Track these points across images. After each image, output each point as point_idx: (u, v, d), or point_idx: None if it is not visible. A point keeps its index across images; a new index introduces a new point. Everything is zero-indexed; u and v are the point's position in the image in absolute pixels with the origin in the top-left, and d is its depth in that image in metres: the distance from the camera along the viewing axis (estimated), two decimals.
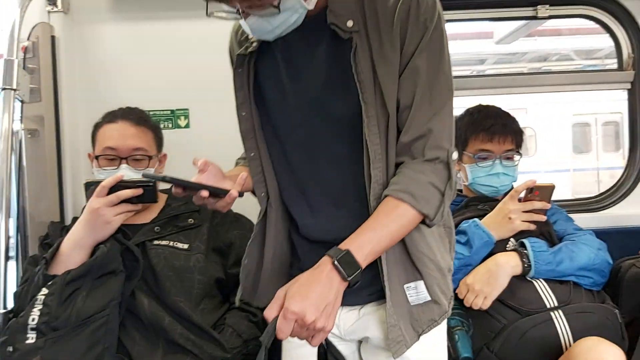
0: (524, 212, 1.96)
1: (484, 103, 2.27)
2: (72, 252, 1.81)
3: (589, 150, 11.72)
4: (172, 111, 2.45)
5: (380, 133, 1.31)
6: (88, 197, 1.84)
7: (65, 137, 2.31)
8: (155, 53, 2.43)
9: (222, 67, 2.42)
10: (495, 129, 2.12)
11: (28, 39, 2.18)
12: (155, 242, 1.94)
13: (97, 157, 2.00)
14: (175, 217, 2.01)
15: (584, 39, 12.08)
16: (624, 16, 2.59)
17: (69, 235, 1.84)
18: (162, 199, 2.07)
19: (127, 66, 2.43)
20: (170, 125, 2.44)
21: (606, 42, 12.01)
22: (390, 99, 1.29)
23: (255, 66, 1.46)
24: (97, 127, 2.05)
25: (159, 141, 2.11)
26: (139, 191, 1.82)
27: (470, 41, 12.21)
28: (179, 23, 2.43)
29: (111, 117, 2.05)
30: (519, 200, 2.00)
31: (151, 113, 2.38)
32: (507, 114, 2.19)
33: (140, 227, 1.97)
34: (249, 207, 2.27)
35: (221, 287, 1.98)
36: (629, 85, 2.63)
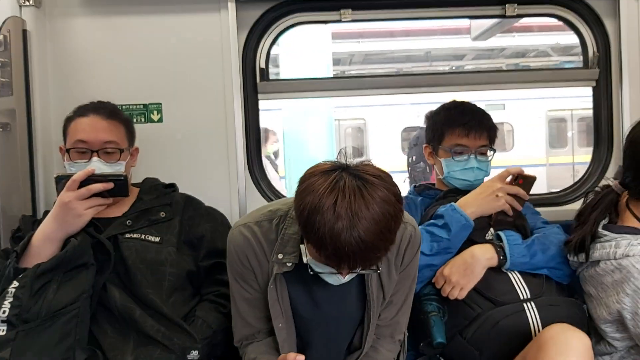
0: (508, 194, 2.02)
1: (459, 99, 2.33)
2: (43, 245, 1.82)
3: (565, 146, 11.87)
4: (145, 105, 2.45)
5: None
6: (59, 190, 1.85)
7: (37, 131, 2.31)
8: (128, 47, 2.44)
9: (195, 62, 2.47)
10: (472, 125, 2.17)
11: None
12: (127, 235, 1.95)
13: (68, 151, 2.01)
14: (147, 211, 2.03)
15: (561, 36, 12.24)
16: (589, 15, 2.65)
17: (40, 228, 1.86)
18: (134, 192, 2.09)
19: (99, 60, 2.43)
20: (143, 120, 2.45)
21: None
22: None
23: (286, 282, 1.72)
24: (68, 120, 2.05)
25: (130, 135, 2.11)
26: (110, 185, 1.84)
27: (448, 37, 12.32)
28: (152, 17, 2.45)
29: (82, 110, 2.05)
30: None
31: (124, 107, 2.41)
32: (482, 111, 2.25)
33: (112, 220, 1.98)
34: (222, 201, 2.33)
35: (192, 279, 2.01)
36: (594, 83, 2.69)
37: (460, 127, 2.17)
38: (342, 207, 1.35)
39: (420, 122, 11.28)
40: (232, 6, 2.44)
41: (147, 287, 1.89)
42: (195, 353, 1.82)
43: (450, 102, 2.29)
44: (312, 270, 1.55)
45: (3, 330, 1.70)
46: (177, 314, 1.89)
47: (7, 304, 1.71)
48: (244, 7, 2.48)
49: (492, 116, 2.26)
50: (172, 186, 2.20)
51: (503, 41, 12.58)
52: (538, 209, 2.34)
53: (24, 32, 2.28)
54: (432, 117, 2.30)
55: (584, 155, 11.63)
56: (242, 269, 1.71)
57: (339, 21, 2.57)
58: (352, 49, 12.49)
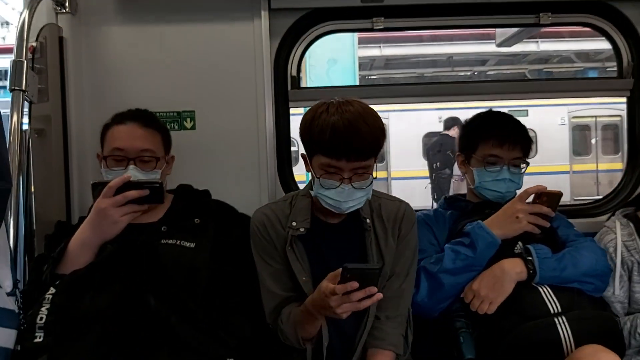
0: (530, 214, 1.98)
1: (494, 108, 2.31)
2: (80, 252, 1.84)
3: (589, 153, 11.76)
4: (179, 113, 2.47)
5: None
6: (95, 197, 1.86)
7: (72, 137, 2.35)
8: (162, 55, 2.47)
9: (228, 70, 2.48)
10: (506, 136, 2.15)
11: (36, 39, 2.20)
12: (163, 241, 1.97)
13: (105, 158, 2.03)
14: (182, 217, 2.05)
15: (584, 42, 12.15)
16: (624, 24, 2.62)
17: (76, 234, 1.87)
18: (168, 199, 2.11)
19: (134, 68, 2.46)
20: (176, 127, 2.46)
21: (606, 45, 12.13)
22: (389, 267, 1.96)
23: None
24: (106, 128, 2.08)
25: (167, 143, 2.14)
26: (146, 192, 1.85)
27: (472, 42, 12.29)
28: (186, 26, 2.47)
29: (120, 118, 2.08)
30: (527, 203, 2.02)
31: (158, 114, 2.41)
32: (517, 122, 2.23)
33: (147, 226, 2.01)
34: (253, 207, 2.33)
35: (224, 285, 2.01)
36: (628, 93, 2.66)
37: (495, 138, 2.14)
38: (333, 108, 1.78)
39: (441, 127, 11.31)
40: (265, 15, 2.46)
41: (183, 292, 1.89)
42: None
43: (486, 112, 2.28)
44: (321, 199, 1.86)
45: (40, 337, 1.70)
46: (212, 320, 1.89)
47: (44, 311, 1.72)
48: (276, 15, 2.50)
49: None
50: (206, 192, 2.22)
51: (526, 47, 12.53)
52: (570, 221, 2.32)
53: (60, 39, 2.31)
54: (466, 126, 2.29)
55: (608, 164, 11.54)
56: (264, 242, 1.96)
57: (371, 29, 2.59)
58: (373, 53, 12.51)
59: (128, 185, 1.85)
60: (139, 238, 1.93)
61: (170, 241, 1.98)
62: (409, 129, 11.33)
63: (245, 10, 2.46)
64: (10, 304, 0.98)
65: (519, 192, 2.16)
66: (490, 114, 2.26)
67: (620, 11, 2.61)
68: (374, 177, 1.87)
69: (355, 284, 1.57)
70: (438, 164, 8.51)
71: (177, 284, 1.89)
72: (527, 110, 11.09)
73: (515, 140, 2.15)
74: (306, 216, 1.95)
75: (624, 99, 2.70)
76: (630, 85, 2.65)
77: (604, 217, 2.52)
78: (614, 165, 11.21)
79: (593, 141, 11.81)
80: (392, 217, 1.99)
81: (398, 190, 11.43)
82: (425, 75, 13.88)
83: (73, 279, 1.78)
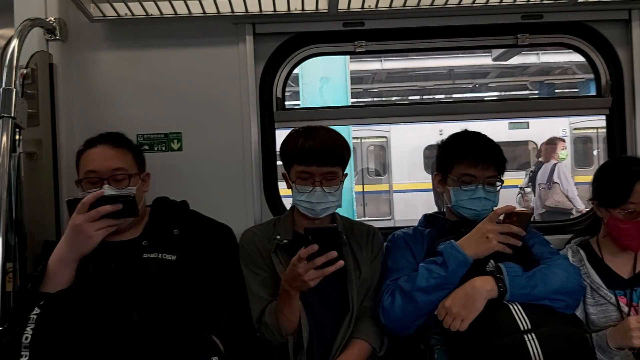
0: (501, 233, 2.02)
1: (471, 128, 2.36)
2: (58, 268, 1.89)
3: (590, 165, 11.75)
4: (166, 134, 2.55)
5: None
6: (70, 214, 1.93)
7: (62, 160, 2.41)
8: (150, 79, 2.55)
9: (214, 92, 2.56)
10: (480, 156, 2.20)
11: (27, 66, 2.29)
12: (145, 255, 2.03)
13: (80, 181, 2.09)
14: (161, 229, 2.11)
15: None
16: (602, 44, 2.68)
17: (54, 252, 1.93)
18: (147, 214, 2.17)
19: (122, 91, 2.54)
20: (163, 148, 2.54)
21: None
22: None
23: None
24: (79, 154, 2.14)
25: (139, 161, 2.19)
26: (119, 206, 1.91)
27: (473, 55, 12.34)
28: (173, 50, 2.55)
29: (91, 142, 2.14)
30: (498, 222, 2.06)
31: (145, 136, 2.51)
32: (491, 142, 2.28)
33: (129, 243, 2.07)
34: (239, 226, 2.40)
35: (204, 295, 2.05)
36: (607, 111, 2.71)
37: (469, 158, 2.20)
38: (305, 130, 2.18)
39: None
40: (250, 39, 2.54)
41: (167, 304, 1.94)
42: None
43: (461, 132, 2.33)
44: (298, 205, 2.17)
45: (26, 357, 1.75)
46: (194, 329, 1.93)
47: (29, 330, 1.77)
48: (261, 39, 2.58)
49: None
50: (184, 203, 2.27)
51: (526, 59, 12.56)
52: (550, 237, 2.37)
53: (51, 65, 2.39)
54: (442, 146, 2.34)
55: None
56: (252, 255, 2.21)
57: (354, 52, 2.66)
58: (374, 67, 12.57)
59: (102, 200, 1.90)
60: (121, 255, 1.99)
61: (152, 255, 2.03)
62: (410, 142, 11.36)
63: (231, 35, 2.54)
64: None
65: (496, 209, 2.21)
66: (465, 134, 2.31)
67: (598, 31, 2.67)
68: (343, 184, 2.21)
69: (316, 247, 1.82)
70: None
71: (161, 297, 1.94)
72: (527, 123, 11.13)
73: (489, 159, 2.20)
74: (288, 231, 2.25)
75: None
76: (609, 103, 2.71)
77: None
78: None
79: (595, 153, 11.81)
80: (365, 236, 2.31)
81: (400, 202, 11.48)
82: (426, 87, 13.93)
83: (57, 299, 1.83)
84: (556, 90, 14.22)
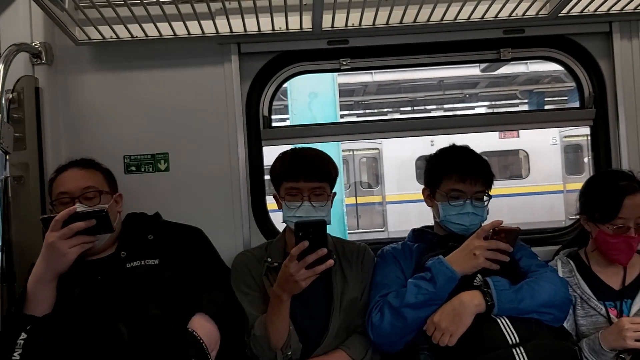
0: (488, 250, 2.03)
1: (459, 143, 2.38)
2: (36, 288, 1.90)
3: (582, 172, 11.81)
4: (153, 155, 2.56)
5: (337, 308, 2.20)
6: (45, 231, 1.92)
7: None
8: (136, 100, 2.57)
9: (200, 112, 2.58)
10: (468, 172, 2.21)
11: (13, 90, 2.30)
12: (128, 265, 2.05)
13: (52, 203, 2.10)
14: (136, 237, 2.14)
15: None
16: (584, 57, 2.72)
17: (32, 273, 1.94)
18: (119, 225, 2.19)
19: (109, 113, 2.55)
20: (150, 169, 2.55)
21: None
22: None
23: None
24: (51, 181, 2.17)
25: (110, 181, 2.21)
26: (92, 222, 1.90)
27: (462, 66, 12.42)
28: (159, 71, 2.57)
29: (61, 169, 2.17)
30: (485, 238, 2.07)
31: (132, 157, 2.52)
32: (479, 157, 2.29)
33: (108, 258, 2.09)
34: (227, 244, 2.40)
35: (184, 296, 2.07)
36: (591, 123, 2.74)
37: (457, 173, 2.21)
38: (291, 151, 2.26)
39: (434, 150, 11.37)
40: (235, 59, 2.56)
41: (154, 308, 1.96)
42: None
43: (449, 147, 2.34)
44: (288, 221, 2.19)
45: None
46: (179, 330, 1.94)
47: (16, 356, 1.78)
48: (246, 59, 2.60)
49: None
50: (156, 215, 2.31)
51: (515, 69, 12.63)
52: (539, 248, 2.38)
53: (37, 89, 2.40)
54: (430, 161, 2.35)
55: None
56: (243, 276, 2.24)
57: (339, 70, 2.68)
58: (365, 79, 12.63)
59: (75, 217, 1.89)
60: (104, 270, 2.01)
61: (135, 263, 2.06)
62: (401, 153, 11.38)
63: (216, 55, 2.56)
64: None
65: (484, 223, 2.23)
66: (452, 149, 2.32)
67: (579, 44, 2.71)
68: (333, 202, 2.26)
69: (307, 243, 1.87)
70: None
71: (149, 301, 1.96)
72: (517, 132, 11.18)
73: (477, 174, 2.22)
74: (279, 254, 2.27)
75: None
76: (593, 115, 2.74)
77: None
78: None
79: (585, 160, 11.86)
80: (355, 253, 2.34)
81: (394, 214, 11.48)
82: (417, 99, 13.99)
83: (42, 322, 1.84)
84: (545, 99, 14.30)
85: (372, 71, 12.43)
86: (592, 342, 2.09)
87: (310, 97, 5.68)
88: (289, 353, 2.06)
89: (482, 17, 2.43)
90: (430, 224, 2.44)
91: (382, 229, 11.60)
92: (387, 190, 11.84)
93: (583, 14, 2.47)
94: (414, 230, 2.43)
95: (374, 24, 2.43)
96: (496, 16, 2.44)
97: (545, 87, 14.26)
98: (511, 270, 2.13)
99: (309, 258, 1.88)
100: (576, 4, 2.38)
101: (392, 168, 11.63)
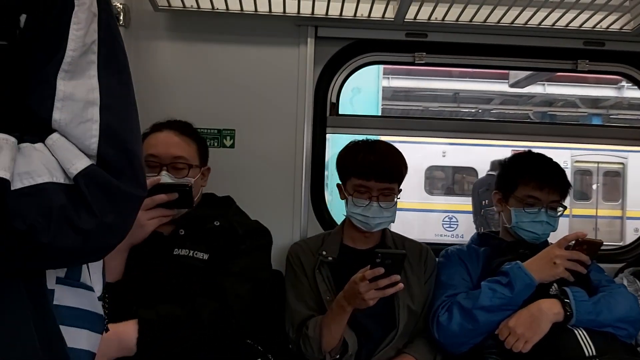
0: (568, 260, 1.99)
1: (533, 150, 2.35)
2: (109, 257, 1.76)
3: (589, 199, 11.83)
4: (219, 130, 2.51)
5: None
6: None
7: None
8: (208, 73, 2.51)
9: (270, 92, 2.53)
10: (547, 180, 2.18)
11: None
12: (175, 251, 1.91)
13: None
14: (201, 219, 1.99)
15: (590, 88, 12.30)
16: None
17: None
18: (198, 200, 2.09)
19: (180, 83, 2.50)
20: (216, 144, 2.50)
21: (612, 93, 12.23)
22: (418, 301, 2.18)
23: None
24: (144, 136, 2.04)
25: (202, 154, 2.10)
26: (174, 196, 1.83)
27: (479, 80, 12.42)
28: (234, 46, 2.53)
29: (158, 127, 2.07)
30: (566, 248, 2.03)
31: (199, 130, 2.43)
32: (558, 166, 2.26)
33: (167, 237, 1.96)
34: (284, 229, 2.35)
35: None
36: None
37: (536, 180, 2.17)
38: (365, 143, 2.16)
39: (445, 162, 11.39)
40: (311, 42, 2.52)
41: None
42: None
43: (527, 152, 2.31)
44: (353, 217, 2.14)
45: None
46: None
47: None
48: (321, 43, 2.56)
49: None
50: (227, 198, 2.19)
51: (532, 89, 12.65)
52: None
53: None
54: (506, 165, 2.31)
55: (608, 210, 11.60)
56: (295, 268, 2.19)
57: (413, 63, 2.64)
58: (382, 84, 12.61)
59: (158, 188, 1.82)
60: (154, 249, 1.90)
61: (183, 252, 1.91)
62: (412, 161, 11.37)
63: (293, 36, 2.52)
64: (100, 309, 1.02)
65: (553, 234, 2.19)
66: (531, 155, 2.29)
67: None
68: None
69: (382, 270, 1.80)
70: (487, 201, 8.67)
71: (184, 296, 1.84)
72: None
73: (555, 183, 2.18)
74: (335, 247, 2.21)
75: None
76: None
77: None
78: (614, 212, 11.29)
79: (594, 187, 11.89)
80: (417, 254, 2.26)
81: (397, 221, 11.44)
82: (430, 109, 13.98)
83: (117, 289, 1.78)
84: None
85: (390, 76, 12.44)
86: None
87: (353, 92, 5.64)
88: (337, 356, 2.01)
89: (567, 25, 2.40)
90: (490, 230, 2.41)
91: None
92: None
93: None
94: (479, 234, 2.40)
95: (457, 20, 2.39)
96: (580, 26, 2.41)
97: (557, 110, 14.30)
98: (584, 282, 2.09)
99: (381, 282, 1.82)
100: None
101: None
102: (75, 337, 0.93)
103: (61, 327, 0.89)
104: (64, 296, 0.93)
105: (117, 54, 0.96)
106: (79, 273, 0.97)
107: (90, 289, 0.98)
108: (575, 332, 1.94)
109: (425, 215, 11.10)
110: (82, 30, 0.89)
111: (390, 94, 13.64)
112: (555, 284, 2.04)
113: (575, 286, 2.04)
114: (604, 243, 2.13)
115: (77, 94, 0.88)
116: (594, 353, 1.89)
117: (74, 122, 0.87)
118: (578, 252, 2.00)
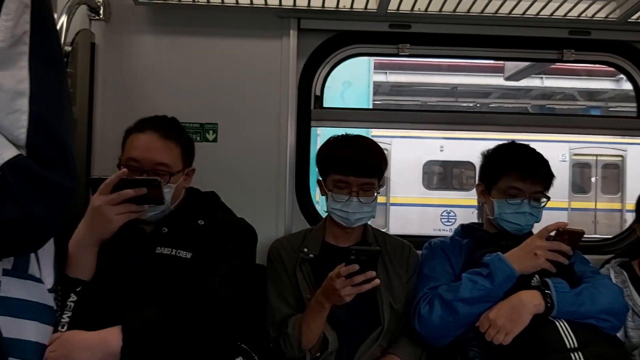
0: (549, 251, 1.97)
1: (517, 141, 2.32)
2: (77, 252, 1.77)
3: (588, 192, 11.80)
4: (202, 124, 2.49)
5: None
6: (93, 193, 1.79)
7: (96, 140, 2.38)
8: (191, 66, 2.50)
9: (253, 85, 2.52)
10: (529, 170, 2.15)
11: (71, 44, 2.22)
12: (158, 250, 1.87)
13: (119, 166, 1.93)
14: (184, 218, 1.95)
15: (588, 81, 12.28)
16: None
17: (74, 234, 1.79)
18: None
19: (162, 76, 2.49)
20: (198, 139, 2.48)
21: (610, 85, 12.20)
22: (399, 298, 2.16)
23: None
24: (127, 133, 1.98)
25: (186, 156, 2.03)
26: (143, 190, 1.76)
27: (476, 74, 12.39)
28: (216, 39, 2.51)
29: (142, 125, 1.98)
30: (547, 239, 2.00)
31: (181, 124, 2.43)
32: (541, 156, 2.23)
33: (149, 234, 1.92)
34: (268, 223, 2.33)
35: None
36: None
37: (518, 171, 2.14)
38: (344, 138, 2.15)
39: (443, 156, 11.38)
40: (294, 34, 2.50)
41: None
42: None
43: (509, 144, 2.28)
44: (333, 213, 2.12)
45: None
46: None
47: (66, 318, 1.69)
48: (304, 35, 2.54)
49: None
50: (212, 194, 2.14)
51: (531, 82, 12.62)
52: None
53: (92, 45, 2.34)
54: (488, 156, 2.29)
55: (607, 203, 11.58)
56: (276, 265, 2.16)
57: (397, 55, 2.62)
58: (379, 79, 12.57)
59: (125, 183, 1.77)
60: (136, 246, 1.87)
61: (166, 251, 1.87)
62: (410, 156, 11.35)
63: (275, 28, 2.50)
64: (51, 301, 1.01)
65: (537, 225, 2.17)
66: (513, 146, 2.27)
67: None
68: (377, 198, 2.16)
69: (357, 266, 1.79)
70: None
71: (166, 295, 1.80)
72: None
73: (538, 174, 2.16)
74: (317, 244, 2.20)
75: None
76: None
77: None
78: (613, 205, 11.27)
79: (593, 179, 11.86)
80: (399, 252, 2.25)
81: (396, 215, 11.46)
82: (428, 103, 13.95)
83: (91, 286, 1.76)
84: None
85: (387, 71, 12.41)
86: None
87: (344, 86, 5.63)
88: (318, 354, 2.00)
89: (551, 14, 2.38)
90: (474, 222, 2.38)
91: (383, 229, 11.57)
92: (392, 192, 11.82)
93: None
94: (463, 226, 2.37)
95: (440, 10, 2.38)
96: (565, 15, 2.39)
97: (556, 103, 14.26)
98: (567, 273, 2.07)
99: (356, 278, 1.81)
100: None
101: (399, 170, 11.58)
102: (22, 328, 0.91)
103: (8, 318, 0.88)
104: (11, 287, 0.91)
105: (50, 45, 0.93)
106: (26, 265, 0.95)
107: (40, 280, 0.97)
108: (557, 323, 1.91)
109: (423, 210, 11.08)
110: (11, 22, 0.88)
111: (388, 89, 13.62)
112: (537, 275, 2.01)
113: (559, 277, 2.01)
114: (604, 236, 2.10)
115: (6, 84, 0.87)
116: (576, 345, 1.86)
117: (2, 113, 0.86)
118: (559, 243, 1.97)
